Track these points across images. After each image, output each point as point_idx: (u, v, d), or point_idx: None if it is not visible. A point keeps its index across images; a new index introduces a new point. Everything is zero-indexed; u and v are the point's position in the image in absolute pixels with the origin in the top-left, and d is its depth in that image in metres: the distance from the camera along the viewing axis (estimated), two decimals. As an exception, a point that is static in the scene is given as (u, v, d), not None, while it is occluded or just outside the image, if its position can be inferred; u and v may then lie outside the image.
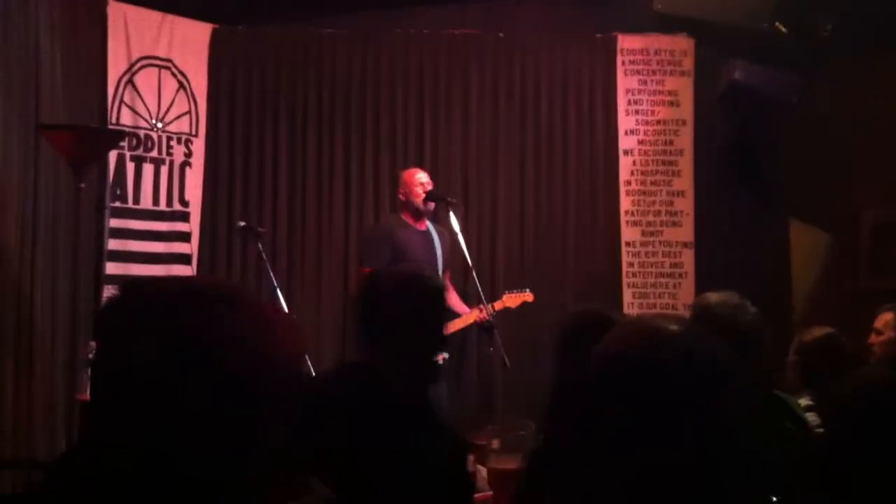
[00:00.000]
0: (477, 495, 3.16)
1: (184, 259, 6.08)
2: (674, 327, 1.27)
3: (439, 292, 2.55)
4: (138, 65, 5.95)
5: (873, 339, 4.25)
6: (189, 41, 6.17)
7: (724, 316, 2.91)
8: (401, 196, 5.37)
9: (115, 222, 5.84)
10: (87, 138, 4.65)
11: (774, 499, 2.47)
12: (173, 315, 1.15)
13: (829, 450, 1.97)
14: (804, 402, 3.48)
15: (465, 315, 5.28)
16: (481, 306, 5.06)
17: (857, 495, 1.73)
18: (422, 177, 5.34)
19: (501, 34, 6.56)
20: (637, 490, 1.21)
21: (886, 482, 1.73)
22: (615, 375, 1.25)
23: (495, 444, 3.20)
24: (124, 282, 1.25)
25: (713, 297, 3.02)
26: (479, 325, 5.27)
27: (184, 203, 6.10)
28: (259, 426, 1.15)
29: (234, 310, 1.18)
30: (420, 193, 5.26)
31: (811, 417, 3.31)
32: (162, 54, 6.05)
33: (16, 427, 4.87)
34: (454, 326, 5.31)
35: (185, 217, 6.12)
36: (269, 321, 1.20)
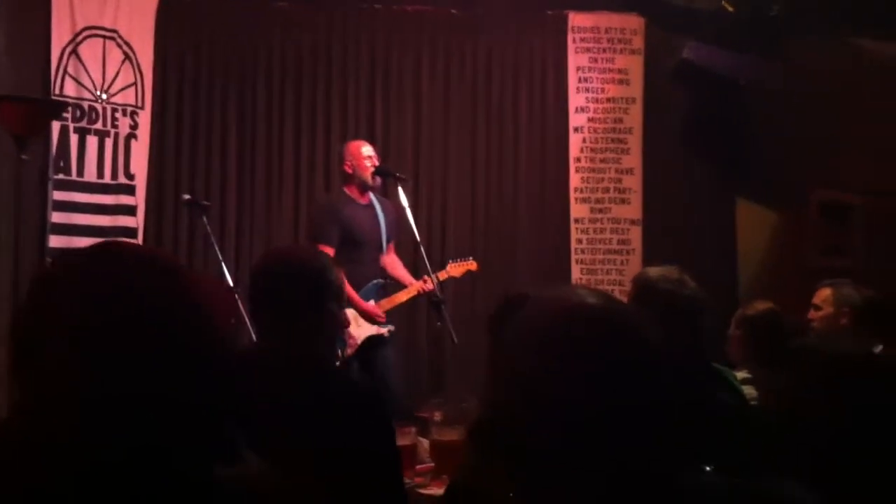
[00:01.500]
0: (418, 467, 3.18)
1: (129, 233, 6.00)
2: (592, 300, 1.27)
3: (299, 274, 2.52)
4: (82, 35, 5.84)
5: (812, 314, 4.32)
6: (135, 12, 6.05)
7: (664, 290, 2.94)
8: (347, 169, 5.30)
9: (58, 195, 5.75)
10: (29, 109, 4.58)
11: (707, 468, 2.51)
12: (99, 284, 1.13)
13: (796, 429, 1.97)
14: (742, 374, 3.54)
15: (409, 287, 5.28)
16: (425, 277, 5.06)
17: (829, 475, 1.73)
18: (368, 150, 5.30)
19: (454, 11, 6.54)
20: (560, 464, 1.22)
21: (857, 462, 1.73)
22: (537, 350, 1.25)
23: (437, 416, 3.21)
24: (54, 255, 1.24)
25: (653, 271, 3.06)
26: (428, 301, 5.27)
27: (129, 176, 6.02)
28: (195, 393, 1.14)
29: (162, 276, 1.17)
30: (368, 167, 5.22)
31: (748, 390, 3.37)
32: (107, 24, 5.94)
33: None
34: (398, 299, 5.31)
35: (130, 190, 6.03)
36: (200, 286, 1.19)
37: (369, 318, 5.16)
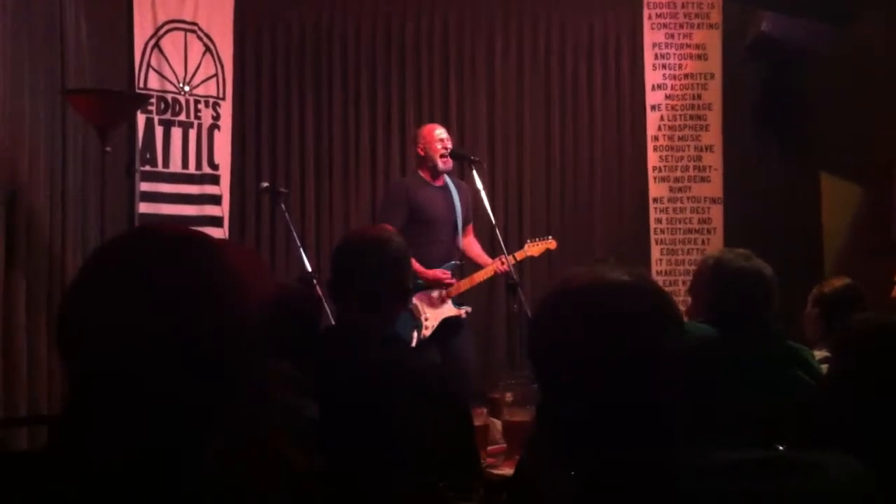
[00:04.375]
0: (490, 448, 3.20)
1: (215, 221, 6.15)
2: (624, 277, 1.29)
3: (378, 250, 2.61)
4: (164, 28, 5.99)
5: (895, 292, 4.17)
6: (214, 4, 6.19)
7: (736, 268, 2.91)
8: (420, 152, 5.33)
9: (145, 186, 5.93)
10: (111, 102, 4.70)
11: (780, 448, 2.48)
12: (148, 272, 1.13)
13: (821, 392, 1.98)
14: (821, 354, 3.46)
15: (486, 268, 5.29)
16: (502, 257, 5.04)
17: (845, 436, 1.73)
18: (441, 133, 5.31)
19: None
20: (589, 431, 1.24)
21: (872, 424, 1.72)
22: (550, 324, 1.27)
23: (508, 397, 3.22)
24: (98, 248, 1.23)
25: (724, 251, 3.04)
26: (504, 283, 5.27)
27: (213, 166, 6.17)
28: (236, 375, 1.15)
29: (207, 259, 1.17)
30: (440, 150, 5.23)
31: (826, 369, 3.30)
32: (188, 17, 6.08)
33: (51, 391, 4.95)
34: (475, 279, 5.33)
35: (215, 180, 6.18)
36: (240, 268, 1.19)
37: (437, 283, 5.17)
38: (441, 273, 5.19)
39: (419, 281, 5.09)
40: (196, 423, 1.11)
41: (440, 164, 5.24)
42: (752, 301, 2.86)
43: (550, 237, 5.51)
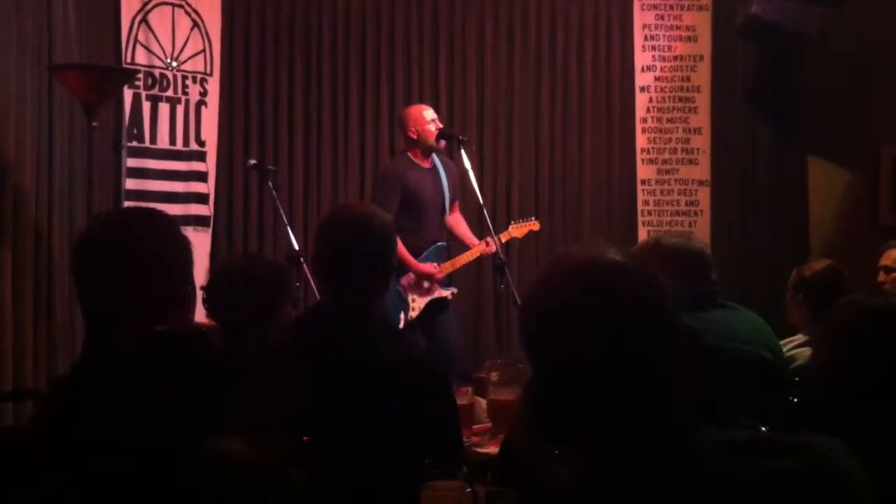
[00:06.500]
0: (476, 426, 3.22)
1: (201, 198, 6.13)
2: (619, 258, 1.29)
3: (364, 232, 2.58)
4: (152, 3, 5.94)
5: (883, 277, 4.16)
6: (202, -21, 6.15)
7: (682, 248, 2.98)
8: (411, 134, 5.30)
9: (132, 162, 5.89)
10: (98, 77, 4.67)
11: (763, 428, 2.50)
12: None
13: (815, 374, 1.98)
14: (801, 338, 3.47)
15: (472, 249, 5.31)
16: (488, 239, 5.05)
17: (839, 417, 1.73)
18: (430, 113, 5.30)
19: (518, -31, 6.49)
20: (578, 421, 1.24)
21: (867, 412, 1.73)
22: (535, 305, 1.27)
23: (494, 376, 3.24)
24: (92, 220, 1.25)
25: (663, 236, 3.12)
26: (492, 264, 5.28)
27: (200, 142, 6.13)
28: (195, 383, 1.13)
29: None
30: (432, 131, 5.22)
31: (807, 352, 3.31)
32: (176, -7, 6.05)
33: (37, 370, 4.94)
34: (461, 261, 5.34)
35: (201, 157, 6.15)
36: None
37: (427, 276, 5.20)
38: (432, 268, 5.20)
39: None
40: (194, 421, 1.11)
41: (435, 144, 5.23)
42: (706, 279, 2.92)
43: (534, 218, 5.55)
